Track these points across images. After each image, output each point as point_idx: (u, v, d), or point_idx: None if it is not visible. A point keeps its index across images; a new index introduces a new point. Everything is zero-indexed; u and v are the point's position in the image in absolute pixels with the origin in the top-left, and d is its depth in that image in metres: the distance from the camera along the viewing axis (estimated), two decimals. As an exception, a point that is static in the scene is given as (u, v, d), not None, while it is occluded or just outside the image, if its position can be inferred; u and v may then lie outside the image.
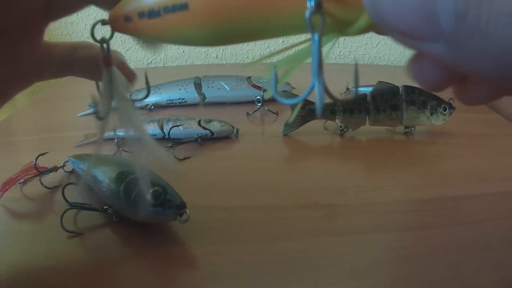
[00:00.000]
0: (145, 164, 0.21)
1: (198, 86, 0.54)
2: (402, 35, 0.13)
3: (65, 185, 0.31)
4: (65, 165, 0.36)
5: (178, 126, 0.43)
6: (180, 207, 0.26)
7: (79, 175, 0.35)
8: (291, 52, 0.16)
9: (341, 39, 0.85)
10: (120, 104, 0.19)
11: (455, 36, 0.11)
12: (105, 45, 0.20)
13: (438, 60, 0.14)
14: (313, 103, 0.44)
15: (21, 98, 0.69)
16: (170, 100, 0.53)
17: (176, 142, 0.41)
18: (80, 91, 0.47)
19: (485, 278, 0.24)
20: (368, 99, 0.44)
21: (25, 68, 0.21)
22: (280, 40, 0.85)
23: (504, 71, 0.11)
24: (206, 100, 0.54)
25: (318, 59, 0.14)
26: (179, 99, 0.53)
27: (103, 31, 0.20)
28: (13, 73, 0.21)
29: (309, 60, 0.15)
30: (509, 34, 0.10)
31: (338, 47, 0.87)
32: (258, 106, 0.51)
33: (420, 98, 0.43)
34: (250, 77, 0.55)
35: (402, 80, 0.47)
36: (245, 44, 0.82)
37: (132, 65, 0.17)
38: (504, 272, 0.25)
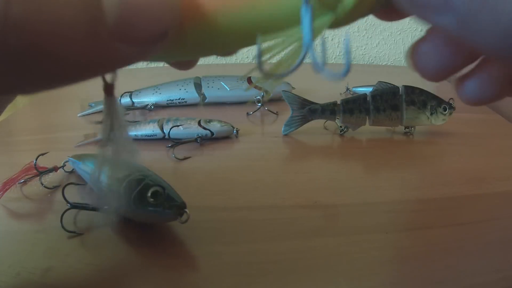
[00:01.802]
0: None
1: (198, 86, 0.54)
2: (415, 6, 0.13)
3: (65, 185, 0.31)
4: (65, 165, 0.36)
5: (178, 126, 0.43)
6: (180, 207, 0.26)
7: (79, 175, 0.35)
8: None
9: (341, 39, 0.85)
10: (117, 133, 0.18)
11: (465, 8, 0.12)
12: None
13: (446, 33, 0.14)
14: (313, 103, 0.45)
15: (21, 98, 0.69)
16: (170, 100, 0.53)
17: (176, 142, 0.41)
18: (80, 91, 0.47)
19: (485, 278, 0.24)
20: (368, 99, 0.44)
21: None
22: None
23: (509, 46, 0.12)
24: (206, 100, 0.54)
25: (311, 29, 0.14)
26: (179, 99, 0.53)
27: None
28: None
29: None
30: None
31: (338, 47, 0.87)
32: (258, 106, 0.52)
33: (420, 98, 0.43)
34: (250, 77, 0.55)
35: (402, 80, 0.48)
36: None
37: (131, 65, 0.16)
38: (504, 272, 0.25)
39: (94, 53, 0.13)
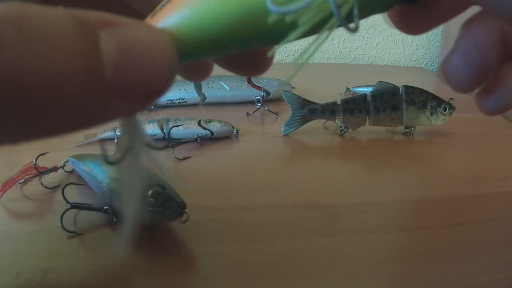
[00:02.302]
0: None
1: (198, 86, 0.54)
2: None
3: (65, 185, 0.31)
4: (65, 165, 0.36)
5: (178, 126, 0.43)
6: (180, 207, 0.26)
7: (79, 175, 0.35)
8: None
9: (342, 39, 0.85)
10: (137, 155, 0.16)
11: None
12: None
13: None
14: (313, 103, 0.45)
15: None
16: (170, 100, 0.53)
17: (176, 142, 0.41)
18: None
19: (485, 278, 0.24)
20: (368, 99, 0.44)
21: None
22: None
23: None
24: (206, 100, 0.54)
25: None
26: (179, 99, 0.53)
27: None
28: None
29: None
30: None
31: (338, 47, 0.87)
32: (258, 106, 0.51)
33: (420, 98, 0.43)
34: (250, 77, 0.55)
35: (402, 80, 0.48)
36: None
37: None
38: (504, 272, 0.25)
39: (89, 108, 0.12)
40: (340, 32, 0.80)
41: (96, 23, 0.12)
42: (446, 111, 0.43)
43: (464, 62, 0.17)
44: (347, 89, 0.60)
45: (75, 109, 0.12)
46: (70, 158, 0.35)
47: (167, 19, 0.14)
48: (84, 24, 0.11)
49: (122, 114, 0.13)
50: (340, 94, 0.59)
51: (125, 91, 0.12)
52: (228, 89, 0.54)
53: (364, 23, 0.85)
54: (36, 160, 0.34)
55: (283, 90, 0.47)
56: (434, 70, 0.87)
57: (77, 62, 0.11)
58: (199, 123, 0.43)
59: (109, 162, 0.15)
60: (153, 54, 0.12)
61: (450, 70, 0.17)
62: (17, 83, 0.10)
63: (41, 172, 0.34)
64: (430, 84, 0.70)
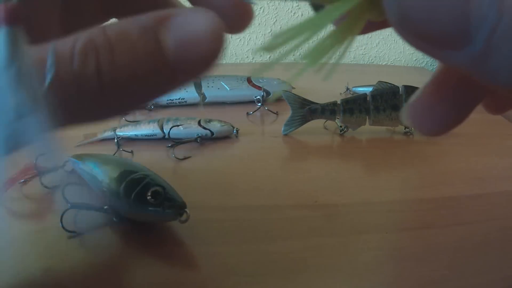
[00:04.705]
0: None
1: (198, 86, 0.54)
2: (424, 40, 0.12)
3: (65, 185, 0.31)
4: (65, 165, 0.36)
5: (178, 126, 0.43)
6: (180, 207, 0.26)
7: (79, 175, 0.35)
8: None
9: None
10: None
11: (486, 44, 0.10)
12: None
13: (455, 67, 0.13)
14: (313, 103, 0.44)
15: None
16: (170, 100, 0.53)
17: (176, 142, 0.41)
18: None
19: (485, 278, 0.24)
20: (368, 99, 0.44)
21: None
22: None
23: None
24: (206, 100, 0.54)
25: None
26: (179, 99, 0.53)
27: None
28: None
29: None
30: None
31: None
32: (258, 106, 0.51)
33: (420, 98, 0.43)
34: (250, 77, 0.55)
35: (402, 80, 0.48)
36: (245, 43, 0.82)
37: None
38: (504, 272, 0.25)
39: (161, 84, 0.16)
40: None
41: (153, 23, 0.15)
42: (446, 111, 0.43)
43: (429, 110, 0.17)
44: (347, 89, 0.60)
45: (153, 86, 0.16)
46: (70, 158, 0.35)
47: None
48: (146, 28, 0.15)
49: (183, 83, 0.17)
50: (340, 94, 0.59)
51: (184, 68, 0.15)
52: (228, 89, 0.54)
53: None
54: (36, 160, 0.34)
55: (283, 90, 0.47)
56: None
57: (147, 58, 0.15)
58: (199, 123, 0.43)
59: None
60: (201, 41, 0.15)
61: (413, 115, 0.18)
62: (119, 77, 0.15)
63: (41, 172, 0.34)
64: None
